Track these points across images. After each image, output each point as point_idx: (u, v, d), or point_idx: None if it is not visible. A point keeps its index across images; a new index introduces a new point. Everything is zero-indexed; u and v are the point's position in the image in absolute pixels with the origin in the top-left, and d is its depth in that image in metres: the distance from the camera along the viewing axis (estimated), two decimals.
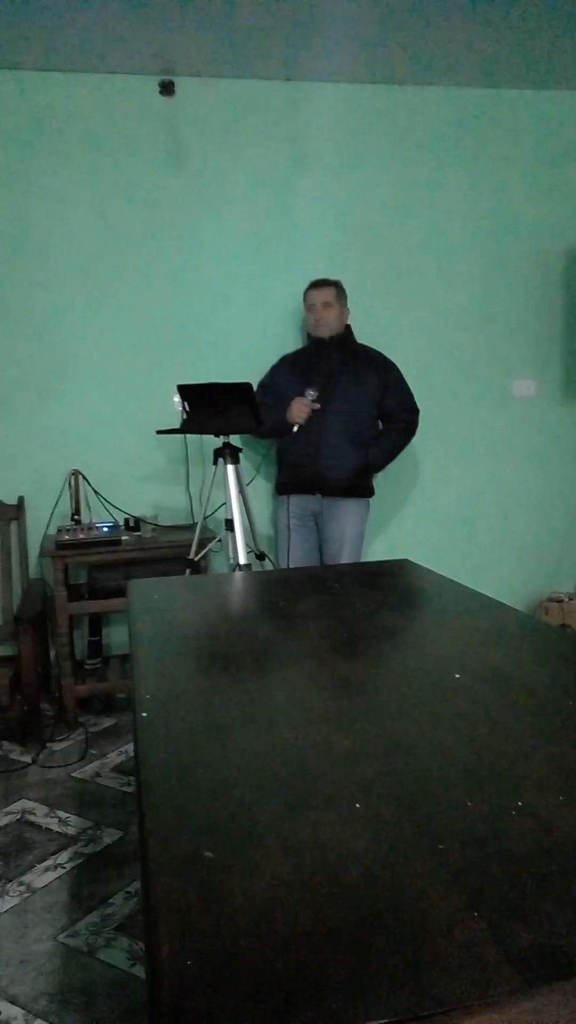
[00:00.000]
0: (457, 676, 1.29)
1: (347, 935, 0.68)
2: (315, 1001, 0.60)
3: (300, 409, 3.08)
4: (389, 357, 3.34)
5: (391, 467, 3.41)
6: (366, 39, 3.10)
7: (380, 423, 3.32)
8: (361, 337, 3.35)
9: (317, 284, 3.27)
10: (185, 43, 3.07)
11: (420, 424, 3.36)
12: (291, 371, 3.30)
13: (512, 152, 3.71)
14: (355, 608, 1.81)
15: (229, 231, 3.48)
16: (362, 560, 3.35)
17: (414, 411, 3.33)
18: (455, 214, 3.69)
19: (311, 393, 3.09)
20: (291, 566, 3.19)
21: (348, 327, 3.33)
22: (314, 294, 3.26)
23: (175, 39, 3.03)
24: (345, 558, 3.25)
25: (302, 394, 3.10)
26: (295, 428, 3.09)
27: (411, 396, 3.34)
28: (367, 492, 3.32)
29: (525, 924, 0.69)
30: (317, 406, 3.10)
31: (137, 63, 3.22)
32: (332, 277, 3.30)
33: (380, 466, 3.31)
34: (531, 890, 0.74)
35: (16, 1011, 1.69)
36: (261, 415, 2.78)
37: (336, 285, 3.27)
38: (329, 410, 3.14)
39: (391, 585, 1.99)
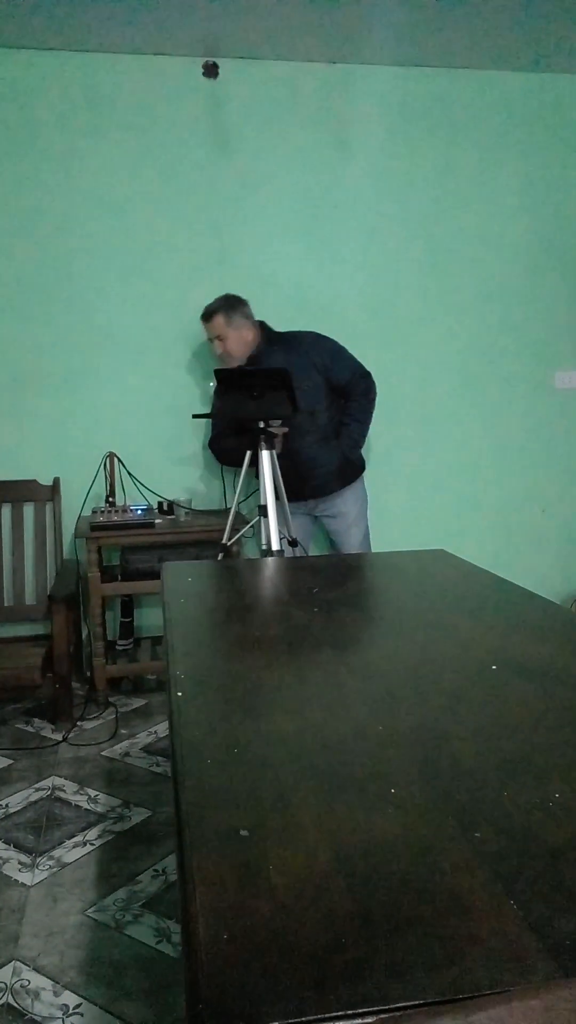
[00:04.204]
0: (493, 667, 1.28)
1: (382, 917, 0.68)
2: (351, 981, 0.60)
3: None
4: (322, 333, 3.17)
5: (426, 455, 3.37)
6: (412, 21, 3.06)
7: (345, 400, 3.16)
8: (402, 324, 3.30)
9: (203, 316, 3.13)
10: (230, 25, 3.05)
11: (459, 413, 3.31)
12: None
13: (562, 139, 3.64)
14: (390, 596, 1.81)
15: (271, 214, 3.46)
16: (370, 535, 3.37)
17: (366, 376, 3.16)
18: (502, 201, 3.63)
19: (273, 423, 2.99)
20: None
21: (260, 329, 3.15)
22: (204, 328, 3.15)
23: (220, 20, 3.02)
24: (353, 539, 3.28)
25: None
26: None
27: (357, 362, 3.16)
28: (356, 475, 3.26)
29: (562, 914, 0.68)
30: (285, 429, 2.95)
31: (182, 45, 3.21)
32: (218, 297, 3.11)
33: (356, 451, 3.19)
34: (568, 881, 0.73)
35: (45, 981, 1.72)
36: (298, 401, 2.76)
37: (220, 310, 3.08)
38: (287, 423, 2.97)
39: (426, 574, 1.98)
